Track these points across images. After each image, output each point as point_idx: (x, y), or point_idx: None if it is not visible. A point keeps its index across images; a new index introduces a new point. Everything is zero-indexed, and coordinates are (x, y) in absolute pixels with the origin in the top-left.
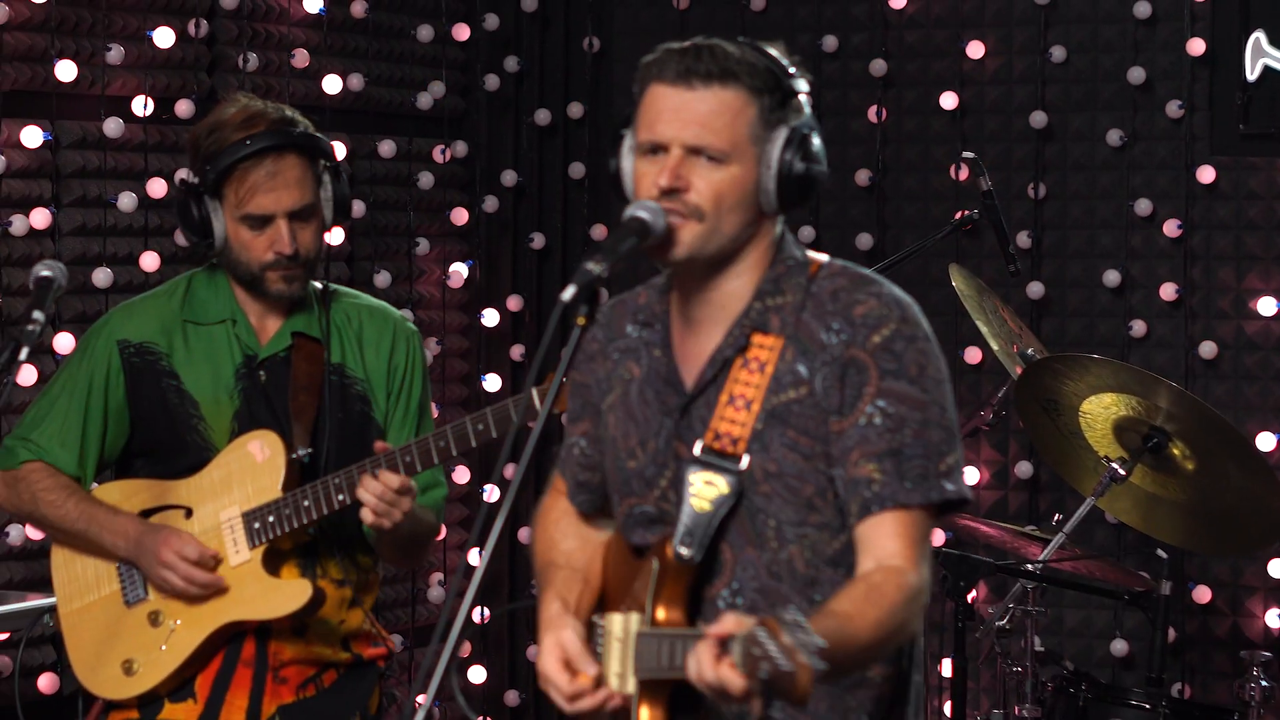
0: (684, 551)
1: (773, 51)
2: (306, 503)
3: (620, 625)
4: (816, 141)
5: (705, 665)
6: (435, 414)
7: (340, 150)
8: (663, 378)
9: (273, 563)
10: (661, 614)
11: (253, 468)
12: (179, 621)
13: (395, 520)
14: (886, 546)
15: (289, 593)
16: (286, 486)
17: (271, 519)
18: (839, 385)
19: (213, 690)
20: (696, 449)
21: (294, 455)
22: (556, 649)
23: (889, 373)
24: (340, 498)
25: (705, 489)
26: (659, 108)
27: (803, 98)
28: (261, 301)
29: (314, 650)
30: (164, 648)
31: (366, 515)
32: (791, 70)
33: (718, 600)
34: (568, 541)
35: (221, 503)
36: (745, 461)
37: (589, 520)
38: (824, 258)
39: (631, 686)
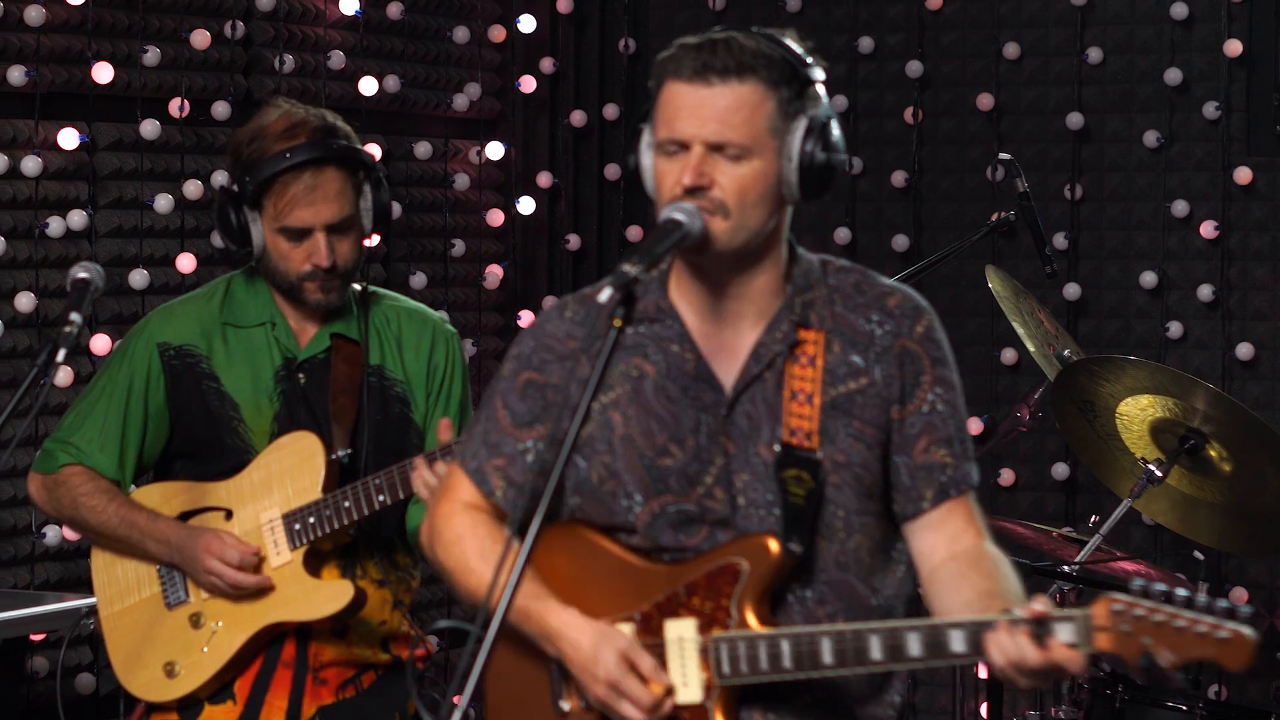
0: (795, 547)
1: (788, 41)
2: (347, 504)
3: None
4: (836, 130)
5: (1028, 650)
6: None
7: (375, 152)
8: (690, 373)
9: (313, 564)
10: (751, 616)
11: (292, 469)
12: (220, 623)
13: None
14: (968, 529)
15: (330, 593)
16: (326, 488)
17: (312, 520)
18: (898, 374)
19: (252, 691)
20: (775, 446)
21: (334, 456)
22: (623, 659)
23: (937, 361)
24: (381, 498)
25: (796, 485)
26: (677, 105)
27: (819, 86)
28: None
29: (354, 651)
30: (205, 650)
31: (420, 488)
32: (808, 59)
33: (786, 594)
34: (499, 547)
35: (262, 504)
36: (821, 454)
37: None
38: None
39: (690, 695)
